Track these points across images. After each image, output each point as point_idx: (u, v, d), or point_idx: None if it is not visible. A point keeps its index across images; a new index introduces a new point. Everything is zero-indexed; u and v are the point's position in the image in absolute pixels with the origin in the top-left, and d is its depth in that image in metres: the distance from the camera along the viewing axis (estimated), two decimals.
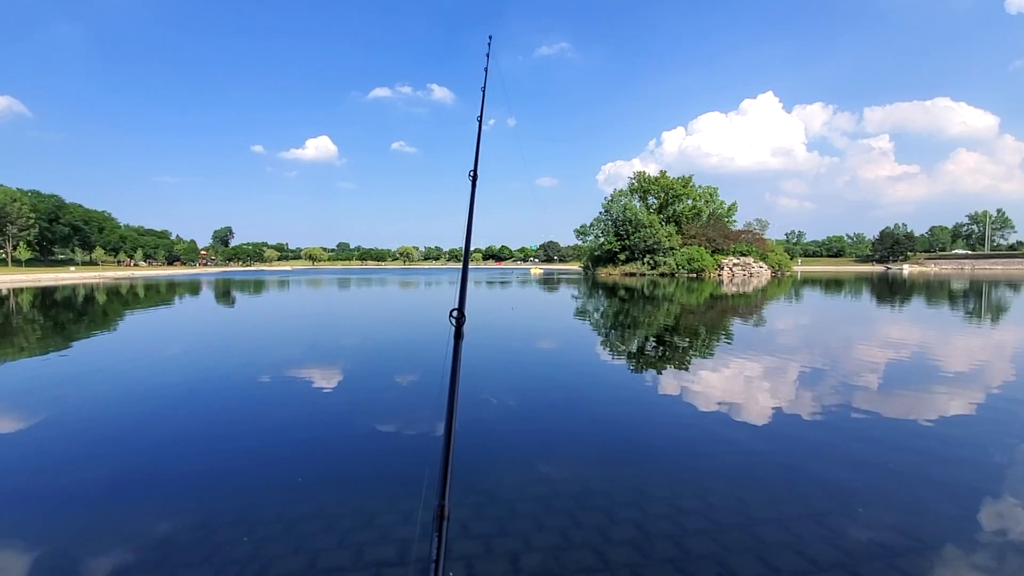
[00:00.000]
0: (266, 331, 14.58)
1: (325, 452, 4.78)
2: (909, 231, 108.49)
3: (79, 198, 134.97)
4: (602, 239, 64.53)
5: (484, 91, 2.43)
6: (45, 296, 29.62)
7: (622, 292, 29.80)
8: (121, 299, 27.03)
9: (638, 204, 64.29)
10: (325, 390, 7.07)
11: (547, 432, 5.33)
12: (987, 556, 2.95)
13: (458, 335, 1.29)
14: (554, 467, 4.37)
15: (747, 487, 3.90)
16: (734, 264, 56.99)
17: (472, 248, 1.80)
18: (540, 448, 4.84)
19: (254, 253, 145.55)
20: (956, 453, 4.60)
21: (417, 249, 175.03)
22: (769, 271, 58.14)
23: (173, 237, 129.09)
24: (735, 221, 67.50)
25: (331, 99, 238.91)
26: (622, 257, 59.67)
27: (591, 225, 68.15)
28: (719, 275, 54.12)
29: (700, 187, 66.95)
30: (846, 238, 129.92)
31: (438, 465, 1.04)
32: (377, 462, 4.48)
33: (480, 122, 2.27)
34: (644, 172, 66.94)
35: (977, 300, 23.45)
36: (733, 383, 7.27)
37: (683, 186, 64.85)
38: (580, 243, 76.34)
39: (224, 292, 32.81)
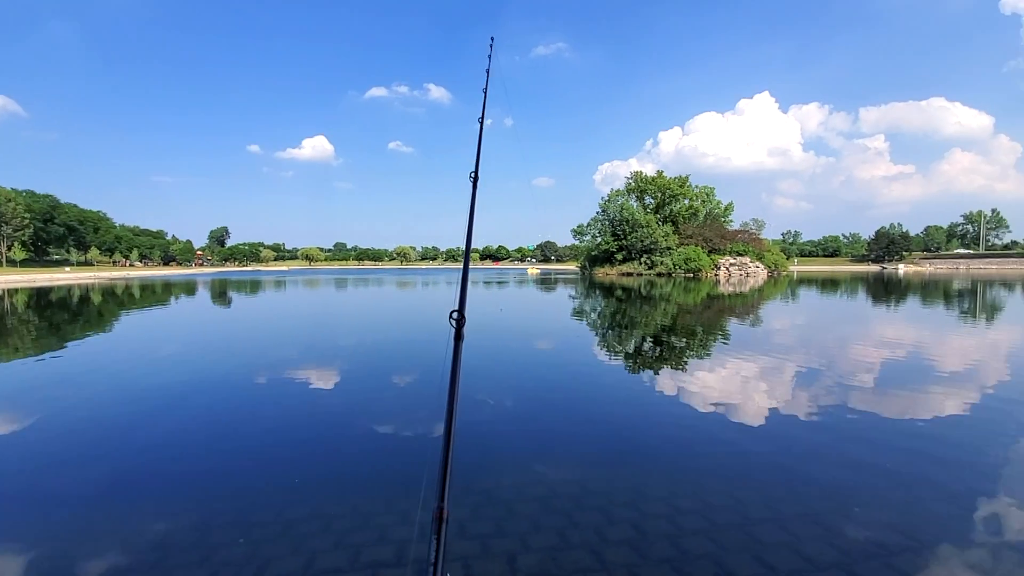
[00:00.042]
0: (263, 331, 14.53)
1: (323, 453, 4.77)
2: (905, 231, 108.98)
3: (74, 198, 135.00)
4: (599, 239, 64.48)
5: (486, 92, 2.39)
6: (40, 297, 29.44)
7: (619, 292, 29.82)
8: (116, 300, 26.89)
9: (635, 204, 64.30)
10: (323, 391, 7.06)
11: (545, 432, 5.33)
12: (983, 555, 2.96)
13: (458, 337, 1.29)
14: (552, 467, 4.37)
15: (744, 487, 3.91)
16: (731, 264, 57.13)
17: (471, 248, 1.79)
18: (538, 448, 4.84)
19: (250, 253, 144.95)
20: (952, 453, 4.62)
21: (414, 249, 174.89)
22: (765, 271, 58.32)
23: (169, 237, 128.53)
24: (732, 221, 67.67)
25: (327, 99, 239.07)
26: (619, 257, 59.70)
27: (588, 225, 68.10)
28: (716, 275, 54.24)
29: (697, 187, 67.16)
30: (842, 238, 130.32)
31: (437, 466, 1.04)
32: (375, 463, 4.48)
33: (481, 124, 2.24)
34: (641, 172, 67.14)
35: (972, 299, 23.57)
36: (730, 383, 7.29)
37: (680, 186, 64.95)
38: (577, 243, 76.05)
39: (221, 292, 32.70)
